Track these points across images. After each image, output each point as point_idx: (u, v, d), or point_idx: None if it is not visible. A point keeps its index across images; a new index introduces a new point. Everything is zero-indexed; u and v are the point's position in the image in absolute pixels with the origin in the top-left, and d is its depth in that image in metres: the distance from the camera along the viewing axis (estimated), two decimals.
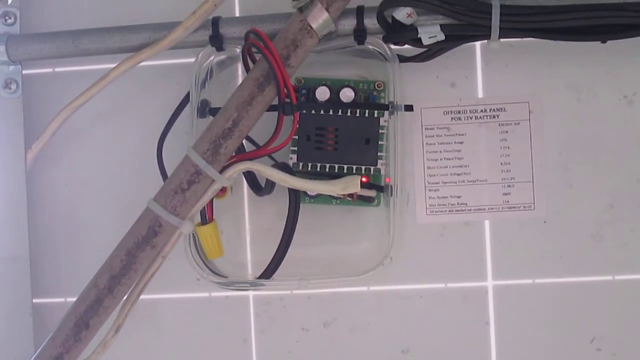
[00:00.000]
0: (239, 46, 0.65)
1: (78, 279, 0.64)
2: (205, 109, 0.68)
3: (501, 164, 0.69)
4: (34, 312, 0.72)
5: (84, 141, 0.74)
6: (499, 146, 0.69)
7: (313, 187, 0.64)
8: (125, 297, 0.64)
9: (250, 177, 0.67)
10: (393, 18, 0.63)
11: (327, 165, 0.67)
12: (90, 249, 0.71)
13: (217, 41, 0.66)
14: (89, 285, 0.63)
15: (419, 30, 0.63)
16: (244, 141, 0.65)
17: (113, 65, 0.68)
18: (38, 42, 0.69)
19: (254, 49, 0.63)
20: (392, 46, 0.66)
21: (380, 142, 0.66)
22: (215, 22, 0.66)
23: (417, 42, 0.64)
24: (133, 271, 0.63)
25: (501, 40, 0.63)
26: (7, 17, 0.71)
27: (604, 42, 0.64)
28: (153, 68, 0.72)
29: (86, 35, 0.68)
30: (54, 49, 0.69)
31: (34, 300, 0.72)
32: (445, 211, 0.70)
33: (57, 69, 0.74)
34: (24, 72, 0.72)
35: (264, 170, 0.63)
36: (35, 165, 0.72)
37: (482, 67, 0.70)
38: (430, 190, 0.70)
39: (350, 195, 0.65)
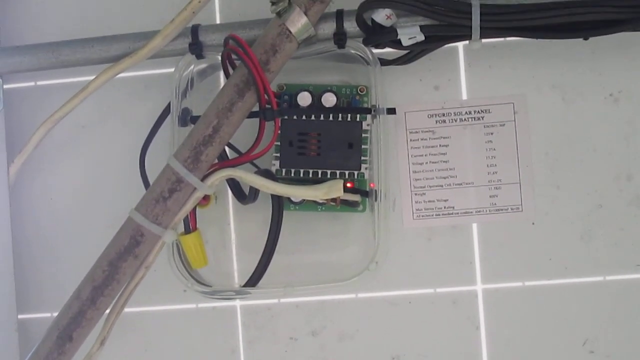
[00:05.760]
0: (220, 53, 0.64)
1: (63, 294, 0.63)
2: (187, 118, 0.67)
3: (487, 165, 0.68)
4: (20, 328, 0.71)
5: (66, 154, 0.74)
6: (484, 148, 0.69)
7: (296, 192, 0.63)
8: (109, 309, 0.63)
9: (234, 185, 0.67)
10: (373, 20, 0.63)
11: (311, 171, 0.66)
12: (75, 262, 0.69)
13: (196, 49, 0.66)
14: (72, 297, 0.62)
15: (399, 31, 0.62)
16: (226, 149, 0.64)
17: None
18: (19, 54, 0.69)
19: (233, 55, 0.63)
20: (374, 50, 0.65)
21: (363, 146, 0.65)
22: (195, 30, 0.66)
23: (398, 43, 0.63)
24: (116, 282, 0.62)
25: (483, 41, 0.63)
26: None
27: (586, 39, 0.63)
28: (135, 79, 0.72)
29: (66, 46, 0.68)
30: (34, 61, 0.68)
31: (19, 316, 0.71)
32: (432, 215, 0.69)
33: (39, 83, 0.74)
34: (5, 86, 0.72)
35: (246, 176, 0.62)
36: (18, 179, 0.71)
37: (466, 69, 0.69)
38: (416, 194, 0.69)
39: (334, 200, 0.64)
